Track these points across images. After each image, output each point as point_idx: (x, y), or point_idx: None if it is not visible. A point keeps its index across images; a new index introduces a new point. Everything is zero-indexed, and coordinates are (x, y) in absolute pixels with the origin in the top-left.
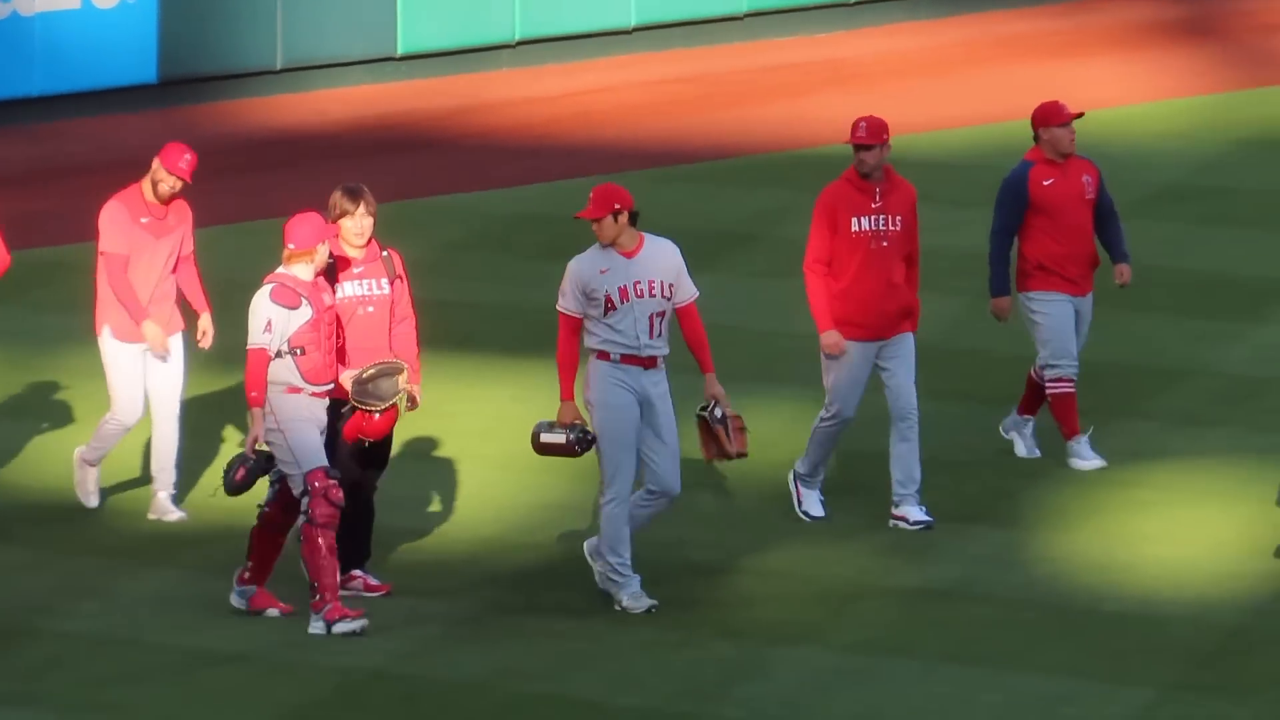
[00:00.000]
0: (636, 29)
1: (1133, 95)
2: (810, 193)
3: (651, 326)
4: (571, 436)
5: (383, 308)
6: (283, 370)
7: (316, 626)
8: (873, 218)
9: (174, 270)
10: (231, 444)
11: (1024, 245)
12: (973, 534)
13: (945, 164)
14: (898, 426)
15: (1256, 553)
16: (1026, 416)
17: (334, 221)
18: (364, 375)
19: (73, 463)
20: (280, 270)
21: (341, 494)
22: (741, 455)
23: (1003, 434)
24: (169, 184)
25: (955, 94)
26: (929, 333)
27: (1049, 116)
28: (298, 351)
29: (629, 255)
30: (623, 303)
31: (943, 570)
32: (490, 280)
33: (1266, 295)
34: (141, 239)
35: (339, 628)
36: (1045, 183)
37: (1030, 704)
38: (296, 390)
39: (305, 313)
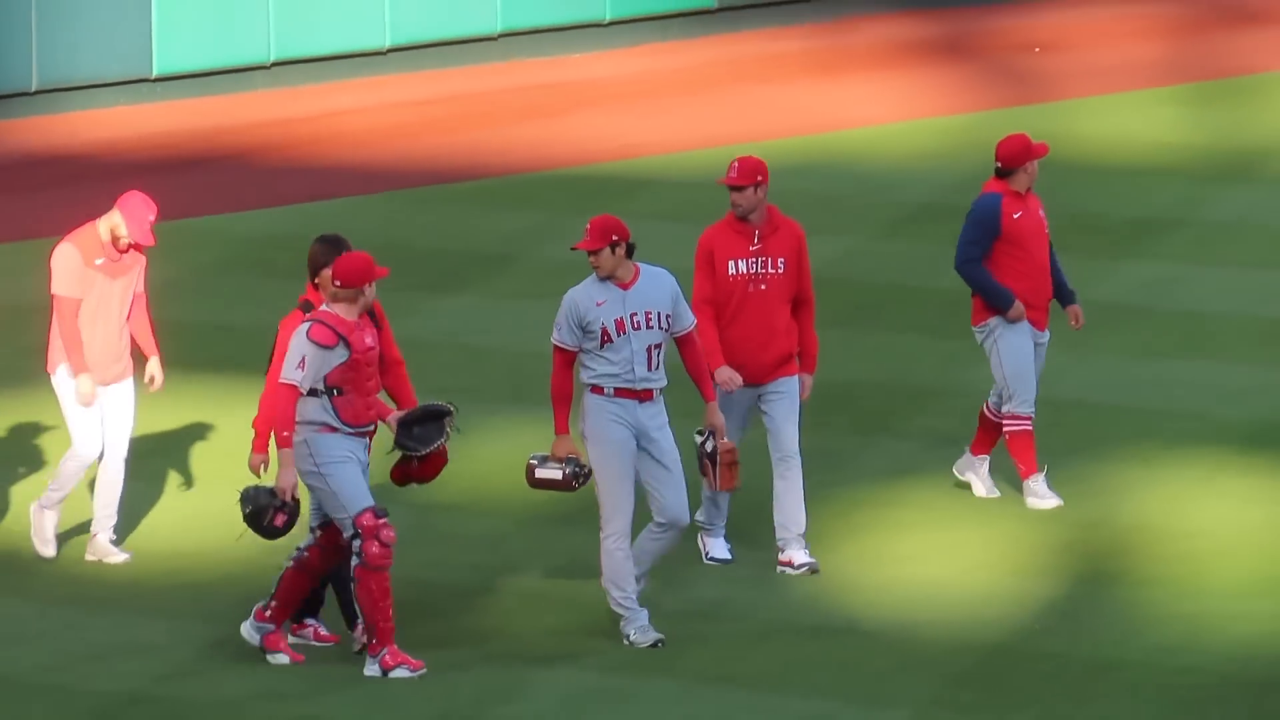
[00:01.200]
0: (391, 50)
1: (889, 114)
2: (566, 213)
3: (649, 359)
4: (568, 471)
5: (374, 362)
6: (317, 410)
7: (372, 670)
8: (750, 260)
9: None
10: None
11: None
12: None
13: (704, 183)
14: (776, 467)
15: (1013, 572)
16: (981, 456)
17: (314, 278)
18: (409, 418)
19: (30, 513)
20: (324, 308)
21: (393, 533)
22: (729, 490)
23: (957, 475)
24: (128, 245)
25: (712, 114)
26: None
27: (1031, 150)
28: (335, 392)
29: (625, 287)
30: (619, 335)
31: (702, 591)
32: (245, 302)
33: None
34: (96, 282)
35: (397, 673)
36: (1015, 215)
37: None
38: (331, 430)
39: (342, 353)
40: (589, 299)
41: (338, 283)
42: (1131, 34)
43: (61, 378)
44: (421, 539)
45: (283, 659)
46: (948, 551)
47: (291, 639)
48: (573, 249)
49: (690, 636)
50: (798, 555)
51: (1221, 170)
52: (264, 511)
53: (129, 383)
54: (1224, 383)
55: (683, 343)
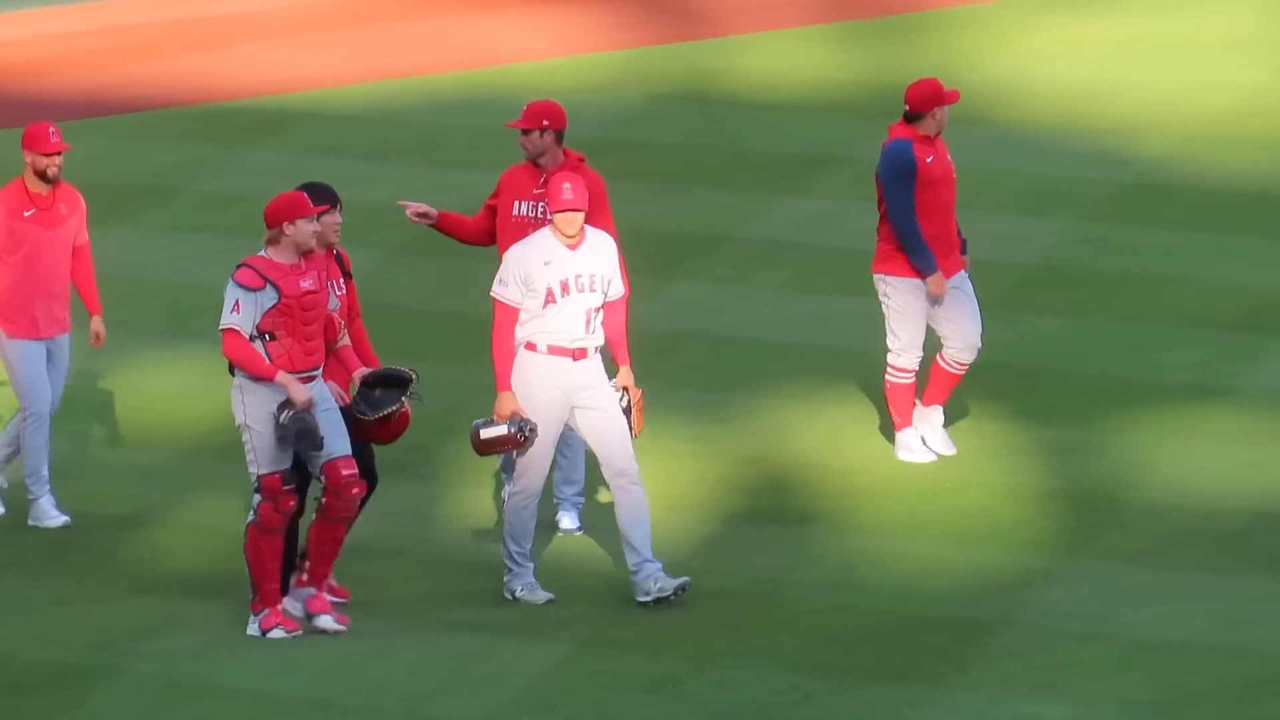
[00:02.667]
0: None
1: (548, 50)
2: (222, 147)
3: (587, 321)
4: (513, 428)
5: (340, 310)
6: None
7: (252, 629)
8: (532, 203)
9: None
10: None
11: (886, 224)
12: (392, 490)
13: (360, 117)
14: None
15: (671, 509)
16: (935, 405)
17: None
18: (371, 379)
19: None
20: (261, 252)
21: (293, 502)
22: (637, 432)
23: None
24: (53, 163)
25: (368, 49)
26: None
27: (941, 96)
28: (266, 336)
29: (573, 248)
30: (563, 295)
31: (360, 527)
32: None
33: (682, 251)
34: (29, 233)
35: (274, 634)
36: (927, 160)
37: (442, 660)
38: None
39: (271, 295)
40: (537, 258)
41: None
42: None
43: (2, 340)
44: (78, 471)
45: (327, 621)
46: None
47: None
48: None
49: (347, 573)
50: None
51: (880, 108)
52: (314, 423)
53: (66, 338)
54: (878, 320)
55: (610, 307)
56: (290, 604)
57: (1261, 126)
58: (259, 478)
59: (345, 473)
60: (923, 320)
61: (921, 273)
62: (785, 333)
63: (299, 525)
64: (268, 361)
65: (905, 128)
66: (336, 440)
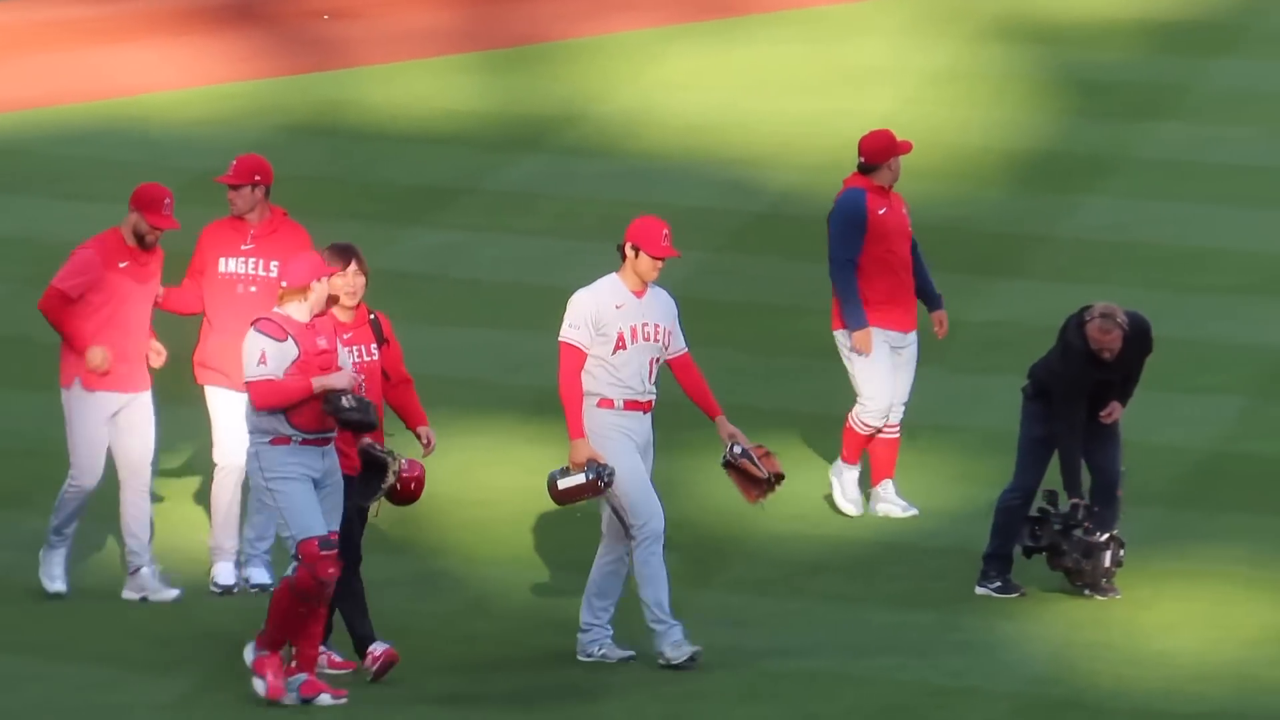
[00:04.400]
0: None
1: (177, 80)
2: None
3: (650, 372)
4: (591, 475)
5: (373, 374)
6: (267, 418)
7: (248, 653)
8: (241, 259)
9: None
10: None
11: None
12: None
13: None
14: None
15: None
16: (884, 481)
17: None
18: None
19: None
20: (275, 309)
21: (332, 570)
22: (778, 477)
23: (876, 513)
24: (154, 236)
25: None
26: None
27: (894, 147)
28: None
29: (640, 295)
30: (632, 343)
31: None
32: None
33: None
34: (122, 285)
35: (256, 681)
36: (879, 211)
37: (70, 692)
38: (284, 441)
39: (291, 350)
40: (608, 301)
41: (283, 283)
42: (422, 1)
43: (76, 393)
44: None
45: (260, 686)
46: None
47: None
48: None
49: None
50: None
51: (509, 139)
52: (368, 406)
53: (147, 397)
54: (508, 351)
55: (681, 365)
56: (289, 697)
57: None
58: (296, 543)
59: (323, 553)
60: (889, 372)
61: (850, 325)
62: (415, 364)
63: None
64: (302, 379)
65: (859, 179)
66: (330, 520)
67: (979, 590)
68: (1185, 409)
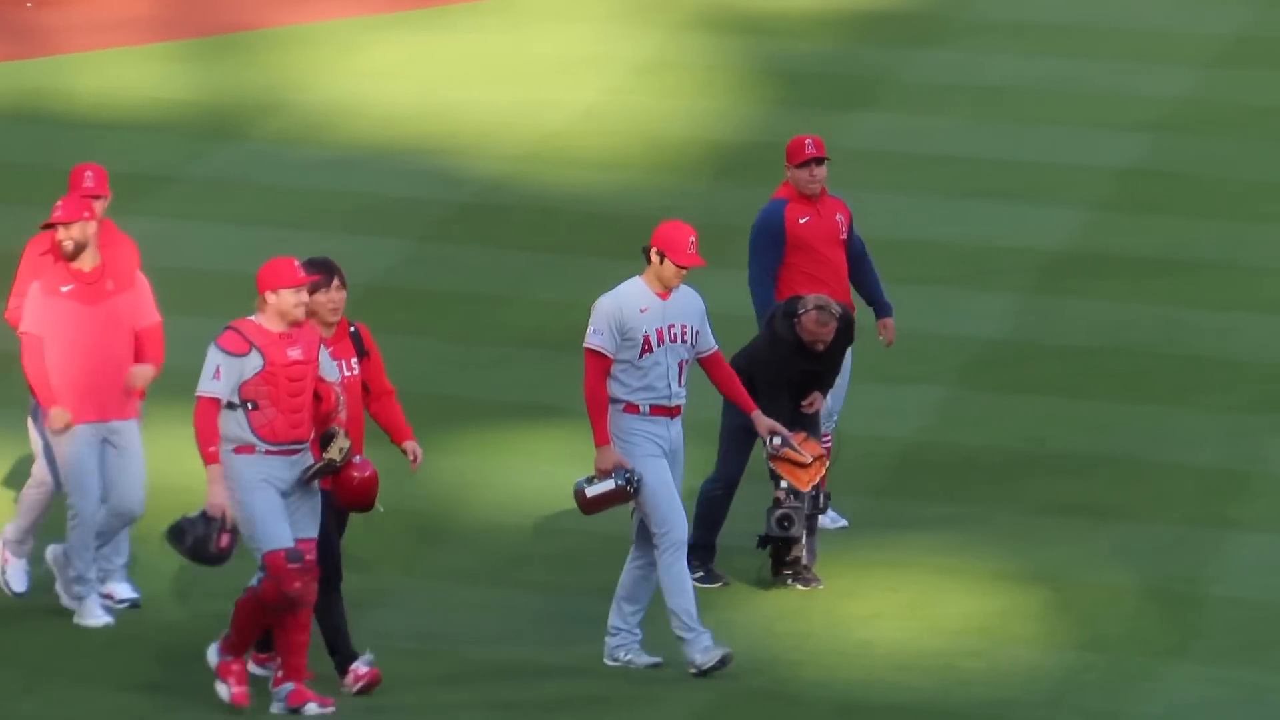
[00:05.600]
0: None
1: None
2: None
3: (679, 374)
4: (619, 481)
5: (353, 388)
6: (232, 425)
7: (211, 656)
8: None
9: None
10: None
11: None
12: None
13: None
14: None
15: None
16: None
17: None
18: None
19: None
20: (249, 317)
21: (298, 584)
22: (820, 459)
23: (831, 525)
24: (70, 235)
25: None
26: None
27: (792, 154)
28: (249, 405)
29: (664, 297)
30: (658, 345)
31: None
32: None
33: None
34: (65, 311)
35: (220, 686)
36: (801, 220)
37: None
38: (249, 449)
39: (255, 362)
40: (633, 305)
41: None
42: None
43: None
44: None
45: (312, 709)
46: None
47: (254, 668)
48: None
49: None
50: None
51: (214, 127)
52: (206, 540)
53: (133, 424)
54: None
55: (710, 363)
56: (276, 706)
57: (594, 146)
58: (262, 555)
59: (290, 565)
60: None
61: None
62: None
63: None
64: (215, 449)
65: (786, 187)
66: (304, 528)
67: None
68: (889, 399)
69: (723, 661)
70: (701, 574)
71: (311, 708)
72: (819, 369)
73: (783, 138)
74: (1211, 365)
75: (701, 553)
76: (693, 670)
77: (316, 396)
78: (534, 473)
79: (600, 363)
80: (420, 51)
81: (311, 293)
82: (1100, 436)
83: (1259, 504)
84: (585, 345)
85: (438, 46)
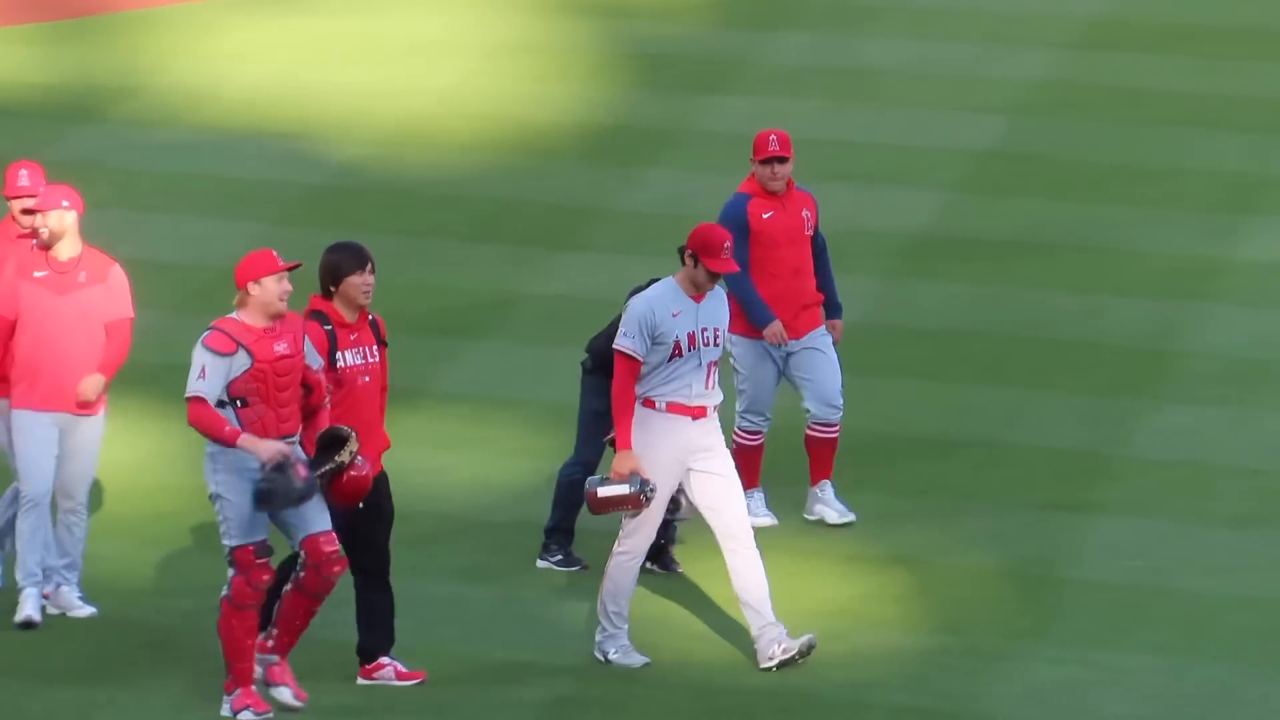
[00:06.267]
0: None
1: None
2: None
3: (708, 377)
4: (635, 488)
5: (377, 377)
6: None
7: (225, 710)
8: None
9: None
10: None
11: None
12: None
13: None
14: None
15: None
16: (822, 482)
17: (335, 282)
18: (319, 440)
19: None
20: (230, 315)
21: (267, 576)
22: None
23: (809, 518)
24: (46, 223)
25: None
26: None
27: (755, 150)
28: (238, 403)
29: (698, 300)
30: (690, 349)
31: None
32: None
33: None
34: (35, 297)
35: (242, 716)
36: (764, 215)
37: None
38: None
39: (243, 360)
40: (665, 308)
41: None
42: None
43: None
44: None
45: (285, 694)
46: None
47: (363, 681)
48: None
49: None
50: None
51: (69, 110)
52: (291, 484)
53: (95, 420)
54: None
55: None
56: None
57: (452, 129)
58: (231, 550)
59: (327, 549)
60: (770, 384)
61: (756, 325)
62: None
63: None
64: (233, 427)
65: (750, 180)
66: (317, 515)
67: (540, 564)
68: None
69: (643, 666)
70: (560, 557)
71: (284, 693)
72: None
73: (642, 120)
74: (1070, 348)
75: (559, 536)
76: (603, 660)
77: (306, 388)
78: (391, 455)
79: (630, 365)
80: (278, 35)
81: (334, 282)
82: (960, 419)
83: (1117, 487)
84: (614, 347)
85: (296, 30)
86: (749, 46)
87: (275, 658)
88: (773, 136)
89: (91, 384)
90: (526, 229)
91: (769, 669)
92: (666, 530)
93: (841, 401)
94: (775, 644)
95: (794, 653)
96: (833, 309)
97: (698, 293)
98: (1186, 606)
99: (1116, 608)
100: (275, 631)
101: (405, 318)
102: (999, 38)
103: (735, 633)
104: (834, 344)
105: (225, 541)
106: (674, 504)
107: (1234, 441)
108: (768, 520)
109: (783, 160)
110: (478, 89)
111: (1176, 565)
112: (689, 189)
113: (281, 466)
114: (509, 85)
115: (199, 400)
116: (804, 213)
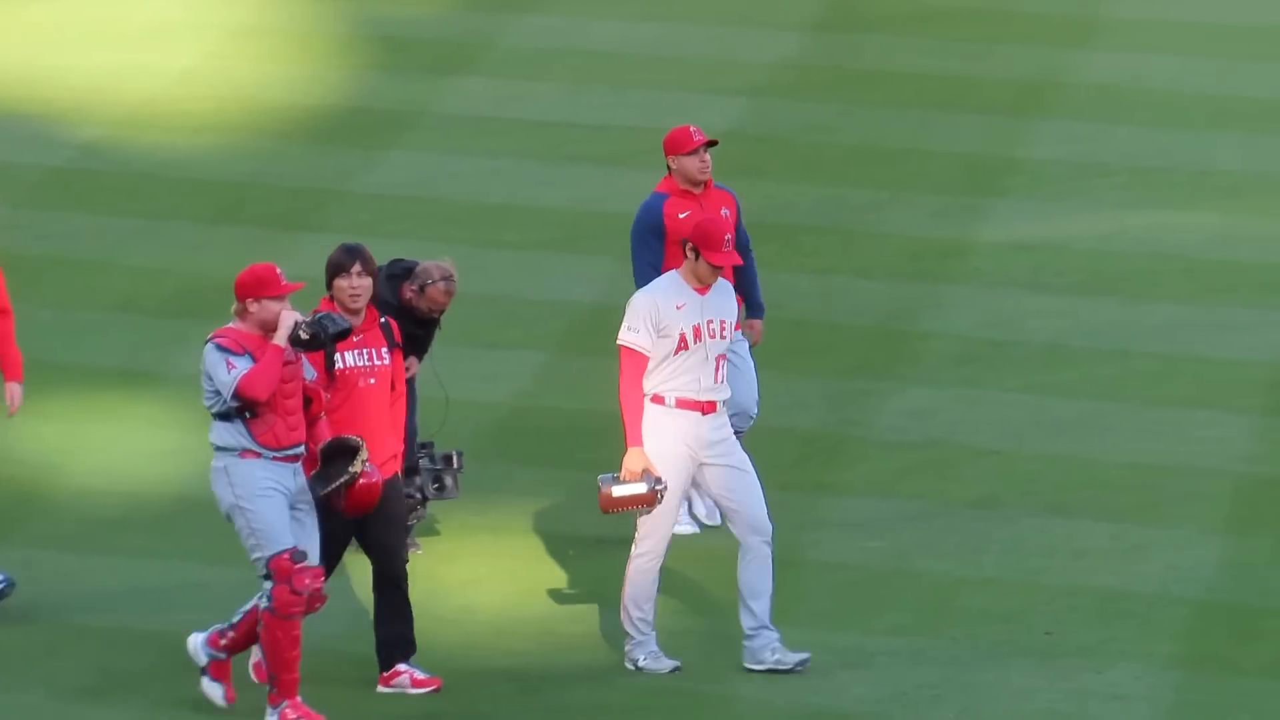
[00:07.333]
0: None
1: None
2: None
3: (716, 370)
4: (649, 487)
5: (384, 379)
6: (232, 434)
7: None
8: None
9: None
10: None
11: None
12: None
13: None
14: None
15: None
16: None
17: (328, 283)
18: (324, 450)
19: None
20: (228, 325)
21: (308, 580)
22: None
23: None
24: None
25: None
26: None
27: (677, 144)
28: (247, 414)
29: (702, 292)
30: (695, 342)
31: None
32: None
33: None
34: None
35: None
36: (681, 215)
37: None
38: (254, 455)
39: (248, 366)
40: (669, 301)
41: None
42: None
43: None
44: None
45: (215, 693)
46: None
47: (383, 689)
48: None
49: None
50: None
51: None
52: (325, 320)
53: None
54: None
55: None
56: (201, 653)
57: (190, 111)
58: (266, 561)
59: (297, 565)
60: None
61: None
62: None
63: None
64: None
65: (667, 180)
66: (307, 544)
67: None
68: (486, 364)
69: (672, 671)
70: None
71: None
72: (419, 334)
73: (382, 102)
74: (812, 329)
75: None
76: (634, 668)
77: (305, 399)
78: (130, 438)
79: (636, 360)
80: (13, 17)
81: (328, 284)
82: None
83: (858, 468)
84: (619, 342)
85: (31, 11)
86: (489, 28)
87: (223, 655)
88: (692, 128)
89: (19, 393)
90: (266, 211)
91: (755, 670)
92: (416, 510)
93: (757, 411)
94: (768, 650)
95: (786, 666)
96: (754, 308)
97: (701, 285)
98: (926, 588)
99: (856, 589)
100: (231, 634)
101: (143, 301)
102: (740, 20)
103: (475, 615)
104: (752, 346)
105: (255, 555)
106: (439, 484)
107: (973, 422)
108: (691, 527)
109: (710, 145)
110: (215, 70)
111: (916, 547)
112: (429, 171)
113: (311, 322)
114: (249, 67)
115: (244, 377)
116: (723, 211)
